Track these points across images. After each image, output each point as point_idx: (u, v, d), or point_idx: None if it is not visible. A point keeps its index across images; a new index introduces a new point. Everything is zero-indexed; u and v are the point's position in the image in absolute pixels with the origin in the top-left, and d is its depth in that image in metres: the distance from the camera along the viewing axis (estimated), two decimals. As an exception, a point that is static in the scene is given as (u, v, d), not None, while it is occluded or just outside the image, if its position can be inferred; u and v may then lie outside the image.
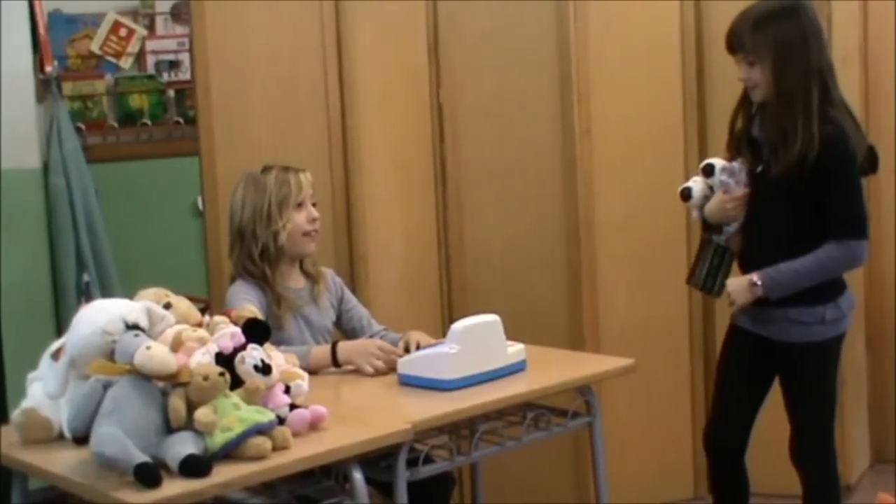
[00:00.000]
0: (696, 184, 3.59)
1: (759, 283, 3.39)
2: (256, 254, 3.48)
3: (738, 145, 3.55)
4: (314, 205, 3.59)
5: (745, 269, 3.51)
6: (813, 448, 3.57)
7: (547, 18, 4.30)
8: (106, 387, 2.56)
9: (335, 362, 3.39)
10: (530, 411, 3.25)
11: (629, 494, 4.21)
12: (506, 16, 4.36)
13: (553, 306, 4.35)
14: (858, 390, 4.73)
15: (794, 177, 3.33)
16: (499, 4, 4.36)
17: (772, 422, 4.48)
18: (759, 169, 3.46)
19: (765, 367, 3.54)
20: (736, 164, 3.51)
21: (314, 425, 2.75)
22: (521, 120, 4.38)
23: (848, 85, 4.53)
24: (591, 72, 4.33)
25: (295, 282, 3.58)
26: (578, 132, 4.32)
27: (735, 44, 3.45)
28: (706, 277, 3.62)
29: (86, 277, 5.01)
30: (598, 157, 4.36)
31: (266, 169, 3.56)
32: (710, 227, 3.59)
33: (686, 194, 3.60)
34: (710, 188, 3.57)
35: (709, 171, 3.55)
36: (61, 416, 2.72)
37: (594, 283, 4.36)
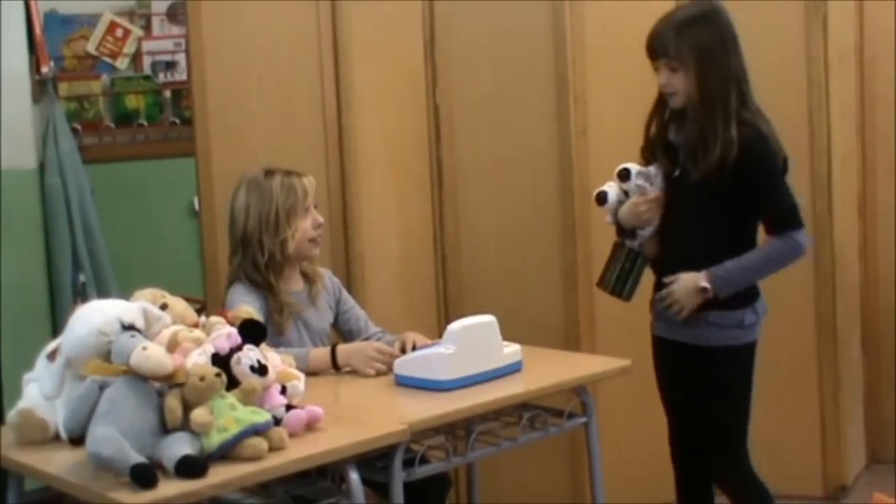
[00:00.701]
0: (612, 188, 3.55)
1: (707, 286, 3.36)
2: (262, 262, 3.46)
3: (655, 150, 3.53)
4: (316, 207, 3.59)
5: (662, 274, 3.49)
6: (728, 457, 3.54)
7: (543, 18, 4.30)
8: (102, 387, 2.56)
9: (335, 365, 3.39)
10: (526, 412, 3.25)
11: (625, 495, 4.20)
12: (502, 15, 4.37)
13: (549, 306, 4.35)
14: (854, 391, 4.73)
15: (714, 181, 3.32)
16: (495, 4, 4.36)
17: (764, 422, 4.50)
18: (677, 173, 3.45)
19: (692, 372, 3.50)
20: (652, 169, 3.48)
21: (310, 426, 2.75)
22: (518, 119, 4.38)
23: (844, 85, 4.56)
24: (588, 71, 4.33)
25: (294, 284, 3.58)
26: (575, 132, 4.32)
27: (658, 50, 3.43)
28: (616, 281, 3.58)
29: (82, 278, 5.01)
30: (594, 156, 4.36)
31: (269, 173, 3.52)
32: (624, 232, 3.55)
33: (601, 198, 3.54)
34: (626, 193, 3.53)
35: (624, 175, 3.50)
36: (57, 416, 2.72)
37: (591, 283, 4.36)
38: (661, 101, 3.51)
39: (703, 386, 3.48)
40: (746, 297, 3.47)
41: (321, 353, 3.41)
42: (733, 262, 3.38)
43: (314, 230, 3.54)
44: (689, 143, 3.41)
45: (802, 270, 4.38)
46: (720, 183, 3.33)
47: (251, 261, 3.47)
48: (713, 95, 3.36)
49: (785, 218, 3.41)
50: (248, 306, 3.15)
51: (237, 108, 4.07)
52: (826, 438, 4.45)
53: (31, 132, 4.84)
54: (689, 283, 3.39)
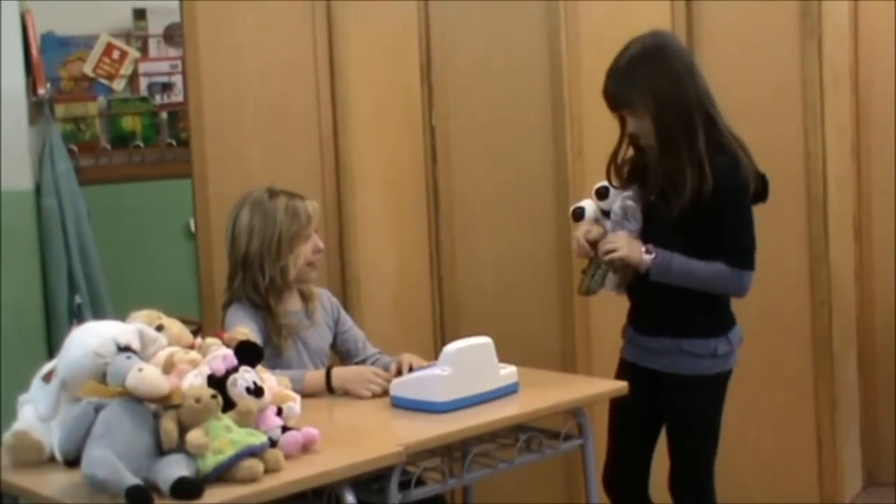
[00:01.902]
0: (589, 205, 3.55)
1: (652, 254, 3.36)
2: (263, 286, 3.45)
3: (631, 173, 3.50)
4: (316, 231, 3.58)
5: (637, 300, 3.49)
6: (694, 487, 3.53)
7: (539, 40, 4.32)
8: (97, 409, 2.56)
9: (329, 388, 3.38)
10: (522, 433, 3.25)
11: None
12: (498, 38, 4.38)
13: (545, 328, 4.35)
14: (850, 412, 4.73)
15: (690, 212, 3.31)
16: (491, 26, 4.38)
17: (761, 443, 4.51)
18: (652, 198, 3.42)
19: (656, 404, 3.48)
20: (631, 203, 3.45)
21: (306, 447, 2.74)
22: (514, 142, 4.39)
23: (839, 107, 4.57)
24: (584, 93, 4.34)
25: (292, 304, 3.57)
26: (571, 154, 4.32)
27: (617, 103, 3.41)
28: (583, 279, 3.55)
29: (78, 299, 5.01)
30: (590, 178, 4.33)
31: (273, 195, 3.51)
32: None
33: (577, 214, 3.54)
34: (602, 211, 3.52)
35: (603, 193, 3.50)
36: (52, 438, 2.72)
37: (586, 305, 4.36)
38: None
39: (672, 414, 3.46)
40: (720, 326, 3.48)
41: (316, 376, 3.40)
42: (683, 259, 3.36)
43: (314, 255, 3.53)
44: (657, 184, 3.38)
45: (798, 292, 4.40)
46: (694, 214, 3.31)
47: (251, 283, 3.47)
48: (674, 135, 3.33)
49: (740, 257, 3.40)
50: (246, 327, 3.15)
51: (234, 130, 4.07)
52: (823, 460, 4.44)
53: (28, 154, 4.85)
54: (636, 242, 3.40)
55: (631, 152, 3.54)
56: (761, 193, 3.48)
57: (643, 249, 3.37)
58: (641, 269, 3.38)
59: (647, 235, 3.43)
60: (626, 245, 3.39)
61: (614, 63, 3.42)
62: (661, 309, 3.45)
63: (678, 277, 3.37)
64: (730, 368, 3.53)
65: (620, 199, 3.48)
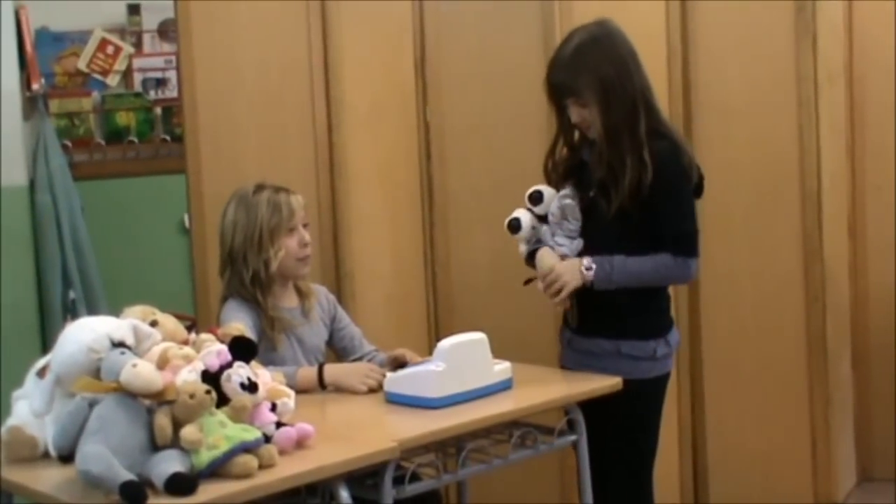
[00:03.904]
0: (524, 215, 3.50)
1: (591, 267, 3.35)
2: (248, 279, 3.46)
3: (568, 172, 3.49)
4: (305, 226, 3.57)
5: (579, 298, 3.44)
6: (631, 497, 3.52)
7: (534, 37, 4.31)
8: (91, 405, 2.55)
9: (321, 384, 3.39)
10: (516, 429, 3.25)
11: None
12: (493, 34, 4.38)
13: (539, 324, 4.34)
14: (844, 408, 4.74)
15: (631, 204, 3.31)
16: (486, 23, 4.37)
17: (755, 440, 4.51)
18: (592, 193, 3.41)
19: (597, 405, 3.37)
20: (570, 201, 3.41)
21: (301, 443, 2.75)
22: (509, 139, 4.38)
23: (833, 104, 4.58)
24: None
25: (288, 301, 3.57)
26: (565, 151, 4.32)
27: (564, 91, 3.38)
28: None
29: (72, 295, 5.01)
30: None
31: (258, 189, 3.53)
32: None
33: (514, 226, 3.49)
34: (540, 218, 3.49)
35: (536, 198, 3.47)
36: (46, 434, 2.72)
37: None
38: (563, 124, 3.47)
39: (611, 420, 3.39)
40: (659, 327, 3.47)
41: (308, 372, 3.40)
42: (622, 260, 3.36)
43: (301, 249, 3.53)
44: (598, 176, 3.36)
45: (792, 288, 4.41)
46: (636, 205, 3.31)
47: (238, 277, 3.49)
48: (619, 123, 3.32)
49: (682, 242, 3.40)
50: (240, 322, 3.15)
51: (228, 126, 4.07)
52: (817, 456, 4.45)
53: (22, 149, 4.84)
54: (573, 262, 3.39)
55: (565, 151, 3.53)
56: (698, 188, 3.49)
57: (583, 267, 3.36)
58: (586, 284, 3.38)
59: (589, 232, 3.42)
60: (567, 275, 3.38)
61: (559, 52, 3.42)
62: (599, 310, 3.43)
63: (622, 281, 3.37)
64: (668, 371, 3.53)
65: (557, 199, 3.45)
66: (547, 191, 3.50)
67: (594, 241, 3.41)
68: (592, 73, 3.33)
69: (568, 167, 3.51)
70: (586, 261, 3.36)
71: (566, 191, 3.45)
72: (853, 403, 4.91)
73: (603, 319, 3.44)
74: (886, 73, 4.88)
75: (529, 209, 3.52)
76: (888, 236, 4.92)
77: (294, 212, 3.52)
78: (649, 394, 3.46)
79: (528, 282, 3.54)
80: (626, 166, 3.29)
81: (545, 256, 3.43)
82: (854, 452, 4.89)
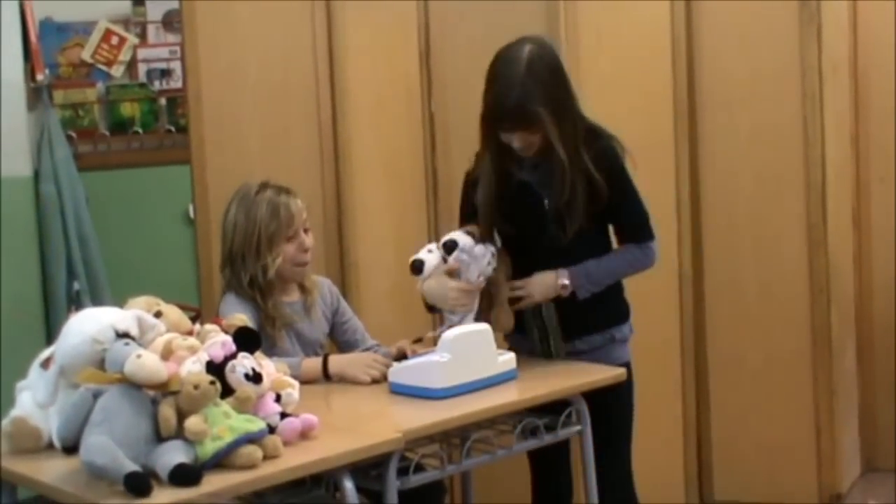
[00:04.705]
0: (430, 257, 3.40)
1: (567, 282, 3.36)
2: (246, 281, 3.45)
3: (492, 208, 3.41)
4: (307, 231, 3.53)
5: (560, 308, 3.43)
6: (625, 483, 3.54)
7: (538, 30, 4.29)
8: (96, 396, 2.55)
9: (326, 375, 3.39)
10: (521, 420, 3.25)
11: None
12: (497, 26, 4.36)
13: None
14: (849, 399, 4.74)
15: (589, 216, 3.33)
16: (490, 13, 4.36)
17: (759, 431, 4.51)
18: (548, 207, 3.37)
19: (590, 396, 3.37)
20: (479, 248, 3.36)
21: (305, 434, 2.75)
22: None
23: (838, 95, 4.57)
24: (582, 81, 4.31)
25: (289, 296, 3.56)
26: (569, 142, 4.31)
27: (520, 122, 3.26)
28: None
29: (76, 286, 5.01)
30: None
31: (260, 189, 3.48)
32: (429, 307, 3.47)
33: (416, 267, 3.40)
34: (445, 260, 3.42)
35: (451, 247, 3.37)
36: (51, 425, 2.72)
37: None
38: (501, 154, 3.38)
39: (609, 403, 3.39)
40: (628, 307, 3.54)
41: (313, 363, 3.40)
42: (594, 264, 3.38)
43: (299, 254, 3.50)
44: (554, 202, 3.33)
45: (797, 279, 4.41)
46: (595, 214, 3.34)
47: (237, 277, 3.47)
48: (573, 144, 3.28)
49: (641, 229, 3.43)
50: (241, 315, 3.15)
51: (232, 117, 4.07)
52: (821, 447, 4.45)
53: (26, 140, 4.84)
54: (547, 278, 3.38)
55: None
56: None
57: (559, 284, 3.37)
58: (563, 296, 3.39)
59: (555, 247, 3.39)
60: (537, 289, 3.39)
61: (505, 73, 3.27)
62: (581, 308, 3.43)
63: (599, 283, 3.40)
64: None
65: (475, 263, 3.37)
66: (462, 239, 3.40)
67: (564, 254, 3.39)
68: (543, 95, 3.24)
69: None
70: (562, 279, 3.37)
71: (478, 246, 3.38)
72: (857, 394, 4.91)
73: (588, 315, 3.45)
74: (891, 64, 4.87)
75: (443, 256, 3.42)
76: (893, 227, 4.91)
77: (293, 218, 3.47)
78: (630, 374, 3.48)
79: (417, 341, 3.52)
80: (578, 190, 3.28)
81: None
82: (858, 443, 4.89)
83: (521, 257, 3.46)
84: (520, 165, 3.40)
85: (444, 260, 3.38)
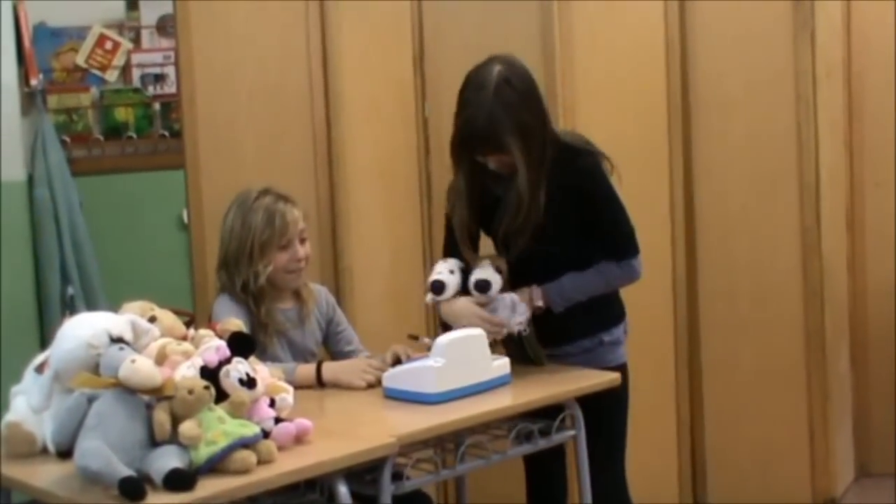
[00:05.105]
0: (453, 278, 3.43)
1: (541, 304, 3.38)
2: (239, 286, 3.46)
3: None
4: (303, 241, 3.54)
5: (543, 315, 3.43)
6: (618, 486, 3.54)
7: (532, 31, 4.31)
8: (90, 400, 2.55)
9: (320, 382, 3.39)
10: (515, 425, 3.25)
11: None
12: (491, 28, 4.37)
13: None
14: (843, 404, 4.74)
15: (562, 233, 3.34)
16: (484, 17, 4.37)
17: (753, 435, 4.51)
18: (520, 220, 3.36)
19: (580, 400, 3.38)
20: (510, 299, 3.37)
21: (299, 439, 2.75)
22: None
23: (831, 100, 4.58)
24: (577, 83, 4.33)
25: (283, 303, 3.56)
26: (563, 145, 4.32)
27: (491, 145, 3.27)
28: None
29: (70, 290, 5.01)
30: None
31: (260, 195, 3.49)
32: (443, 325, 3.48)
33: (438, 289, 3.42)
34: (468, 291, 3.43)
35: (483, 287, 3.38)
36: (45, 429, 2.71)
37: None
38: (477, 177, 3.40)
39: (598, 407, 3.37)
40: (622, 310, 3.55)
41: (307, 369, 3.40)
42: (570, 281, 3.39)
43: (291, 264, 3.51)
44: (506, 229, 3.34)
45: (791, 283, 4.41)
46: (570, 229, 3.35)
47: (231, 281, 3.48)
48: (538, 168, 3.28)
49: (624, 246, 3.41)
50: (236, 320, 3.15)
51: (227, 121, 4.07)
52: (815, 451, 4.46)
53: (20, 144, 4.84)
54: (524, 298, 3.39)
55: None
56: None
57: (535, 307, 3.38)
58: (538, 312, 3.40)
59: (528, 266, 3.40)
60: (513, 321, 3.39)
61: (474, 98, 3.28)
62: (569, 312, 3.43)
63: (574, 299, 3.40)
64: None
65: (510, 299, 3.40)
66: (450, 280, 3.43)
67: (537, 271, 3.41)
68: (513, 121, 3.23)
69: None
70: (538, 300, 3.38)
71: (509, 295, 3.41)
72: (851, 398, 4.91)
73: (577, 320, 3.45)
74: (885, 68, 4.88)
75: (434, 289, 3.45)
76: (887, 231, 4.92)
77: (288, 227, 3.48)
78: (624, 377, 3.47)
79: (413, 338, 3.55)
80: (531, 220, 3.29)
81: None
82: (852, 447, 4.89)
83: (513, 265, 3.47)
84: (496, 180, 3.40)
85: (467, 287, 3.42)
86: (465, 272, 3.45)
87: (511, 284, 3.45)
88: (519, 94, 3.28)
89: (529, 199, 3.29)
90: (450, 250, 3.54)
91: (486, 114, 3.24)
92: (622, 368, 3.48)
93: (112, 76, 5.68)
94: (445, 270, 3.46)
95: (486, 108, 3.24)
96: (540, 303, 3.39)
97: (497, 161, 3.33)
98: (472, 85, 3.31)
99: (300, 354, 3.56)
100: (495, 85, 3.25)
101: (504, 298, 3.39)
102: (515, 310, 3.38)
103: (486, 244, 3.59)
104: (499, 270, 3.41)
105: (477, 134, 3.27)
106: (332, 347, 3.69)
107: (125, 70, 5.70)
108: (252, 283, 3.45)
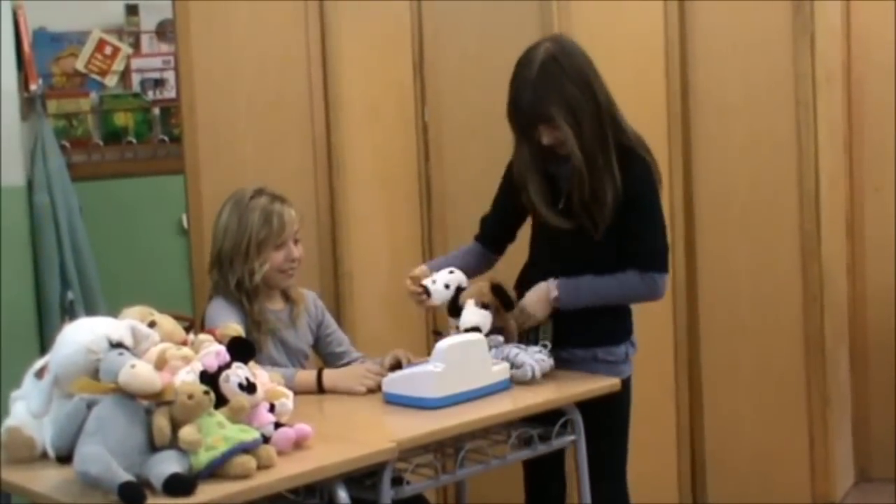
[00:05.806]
0: (439, 291, 3.49)
1: (557, 294, 3.37)
2: (233, 284, 3.46)
3: (533, 193, 3.44)
4: (297, 241, 3.54)
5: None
6: (609, 488, 3.51)
7: (532, 37, 4.27)
8: (90, 405, 2.55)
9: (320, 388, 3.39)
10: (515, 430, 3.25)
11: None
12: (490, 34, 4.38)
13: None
14: (842, 408, 4.74)
15: (609, 223, 3.33)
16: (484, 22, 4.37)
17: (753, 440, 4.51)
18: (561, 205, 3.40)
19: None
20: (495, 339, 3.39)
21: (299, 444, 2.75)
22: (506, 139, 4.33)
23: (831, 104, 4.58)
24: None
25: (274, 304, 3.56)
26: (563, 150, 4.32)
27: (533, 118, 3.30)
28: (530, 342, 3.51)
29: (70, 295, 5.00)
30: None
31: (255, 195, 3.50)
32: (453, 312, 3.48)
33: (428, 293, 3.48)
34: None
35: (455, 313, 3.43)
36: (45, 435, 2.71)
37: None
38: (539, 153, 3.41)
39: (591, 422, 3.37)
40: (626, 329, 3.51)
41: (307, 377, 3.40)
42: (587, 282, 3.38)
43: (285, 263, 3.51)
44: (581, 200, 3.33)
45: (791, 288, 4.41)
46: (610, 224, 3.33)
47: (224, 280, 3.48)
48: (592, 145, 3.29)
49: (653, 258, 3.40)
50: (230, 321, 3.15)
51: (226, 126, 4.07)
52: (814, 456, 4.46)
53: (20, 149, 4.83)
54: (541, 293, 3.40)
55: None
56: None
57: (552, 298, 3.38)
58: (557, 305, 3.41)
59: (559, 252, 3.43)
60: (538, 309, 3.41)
61: (520, 75, 3.33)
62: (571, 320, 3.43)
63: (587, 302, 3.40)
64: (631, 370, 3.55)
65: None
66: (437, 293, 3.48)
67: (565, 261, 3.42)
68: (557, 93, 3.27)
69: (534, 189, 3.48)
70: (553, 291, 3.38)
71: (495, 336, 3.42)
72: (851, 403, 4.91)
73: (575, 328, 3.44)
74: (885, 73, 4.89)
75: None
76: (886, 236, 4.93)
77: (285, 227, 3.48)
78: (625, 395, 3.47)
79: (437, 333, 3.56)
80: (606, 191, 3.29)
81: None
82: (852, 452, 4.89)
83: (551, 247, 3.49)
84: (556, 159, 3.41)
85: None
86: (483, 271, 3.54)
87: (518, 287, 3.47)
88: (564, 68, 3.30)
89: (591, 171, 3.29)
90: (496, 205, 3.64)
91: (531, 87, 3.29)
92: (623, 384, 3.44)
93: (112, 81, 5.68)
94: (441, 283, 3.49)
95: (530, 84, 3.29)
96: (556, 293, 3.38)
97: (549, 137, 3.33)
98: (522, 62, 3.37)
99: (294, 355, 3.56)
100: (541, 61, 3.31)
101: (497, 339, 3.41)
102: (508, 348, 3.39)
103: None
104: (485, 306, 3.41)
105: (523, 106, 3.32)
106: (323, 350, 3.69)
107: (125, 75, 5.70)
108: (247, 281, 3.45)
